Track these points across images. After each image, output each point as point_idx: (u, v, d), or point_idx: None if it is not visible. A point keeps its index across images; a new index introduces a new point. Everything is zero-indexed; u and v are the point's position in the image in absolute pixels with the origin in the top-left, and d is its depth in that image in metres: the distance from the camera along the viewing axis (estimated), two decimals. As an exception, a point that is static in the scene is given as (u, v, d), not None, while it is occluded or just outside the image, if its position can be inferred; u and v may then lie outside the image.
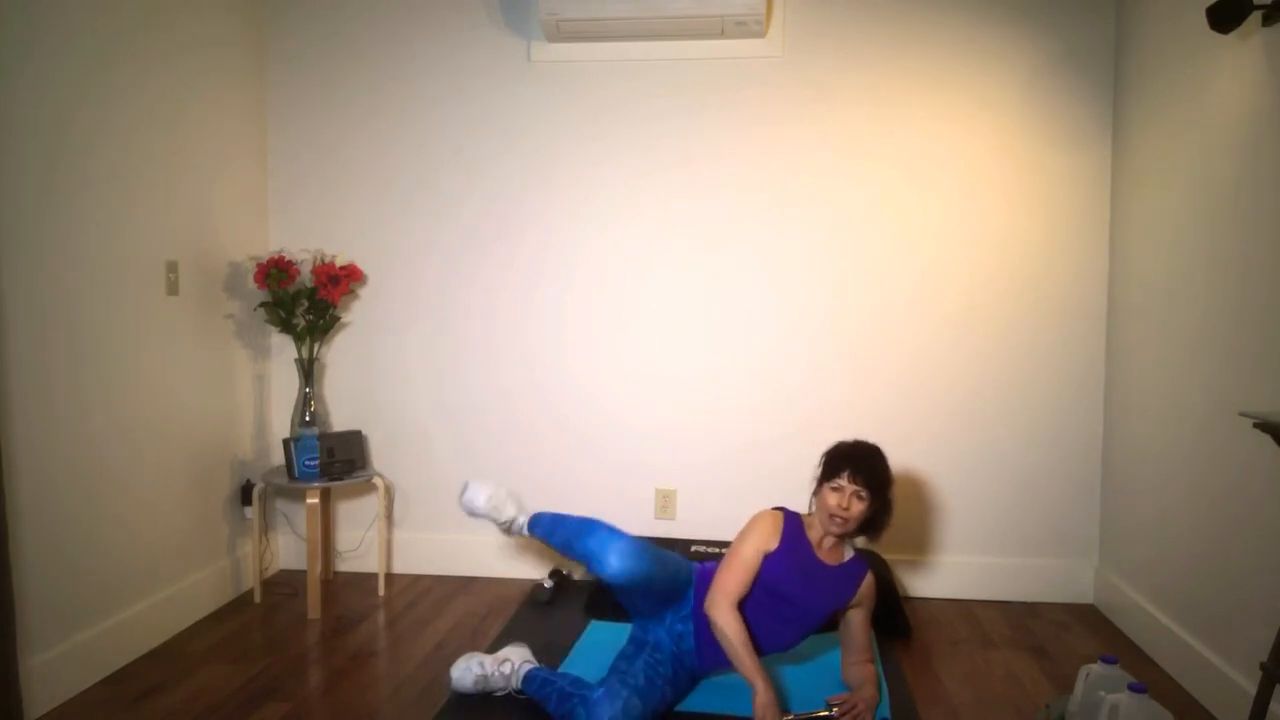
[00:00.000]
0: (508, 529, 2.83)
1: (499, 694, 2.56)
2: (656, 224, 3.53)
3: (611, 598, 3.17)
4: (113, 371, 2.77)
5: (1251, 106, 2.43)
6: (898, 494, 3.35)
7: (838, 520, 2.42)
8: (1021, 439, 3.43)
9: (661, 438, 3.58)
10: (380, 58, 3.60)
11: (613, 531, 2.44)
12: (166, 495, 3.04)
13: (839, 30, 3.41)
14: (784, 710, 2.34)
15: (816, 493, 2.49)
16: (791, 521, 2.52)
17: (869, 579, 2.57)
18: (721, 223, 3.50)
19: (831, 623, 2.61)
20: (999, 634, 3.13)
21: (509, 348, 3.62)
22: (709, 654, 2.44)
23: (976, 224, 3.40)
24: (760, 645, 2.44)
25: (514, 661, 2.57)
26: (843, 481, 2.42)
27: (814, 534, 2.51)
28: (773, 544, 2.46)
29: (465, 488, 2.85)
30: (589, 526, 2.50)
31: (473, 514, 2.83)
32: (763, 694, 2.25)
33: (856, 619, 2.58)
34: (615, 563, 2.35)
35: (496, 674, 2.55)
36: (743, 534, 2.49)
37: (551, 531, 2.65)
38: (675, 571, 2.48)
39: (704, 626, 2.44)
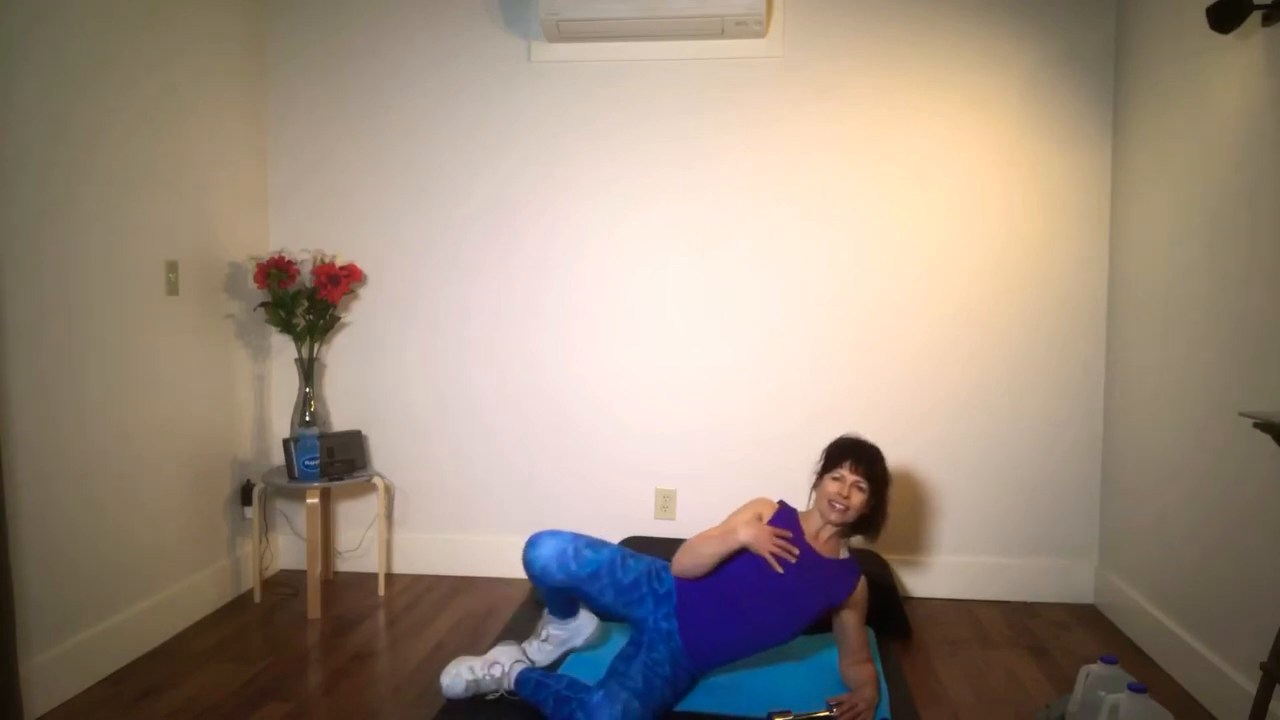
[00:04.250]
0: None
1: (491, 697, 2.54)
2: (656, 224, 3.53)
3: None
4: (113, 371, 2.77)
5: (1251, 106, 2.43)
6: (898, 493, 3.37)
7: (838, 507, 2.44)
8: (1022, 438, 3.43)
9: (661, 438, 3.58)
10: (380, 58, 3.60)
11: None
12: (166, 495, 3.04)
13: (839, 30, 3.41)
14: (784, 710, 2.34)
15: (817, 484, 2.52)
16: (785, 508, 2.56)
17: (863, 582, 2.58)
18: (722, 223, 3.50)
19: (828, 623, 2.61)
20: (999, 634, 3.13)
21: (509, 348, 3.62)
22: (698, 653, 2.44)
23: (976, 223, 3.40)
24: (753, 639, 2.45)
25: (503, 663, 2.55)
26: (844, 472, 2.46)
27: (810, 525, 2.53)
28: (766, 516, 2.51)
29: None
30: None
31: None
32: (745, 531, 2.40)
33: (850, 621, 2.58)
34: (529, 552, 2.44)
35: (487, 677, 2.53)
36: (733, 513, 2.55)
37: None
38: (619, 557, 2.50)
39: (689, 624, 2.44)
